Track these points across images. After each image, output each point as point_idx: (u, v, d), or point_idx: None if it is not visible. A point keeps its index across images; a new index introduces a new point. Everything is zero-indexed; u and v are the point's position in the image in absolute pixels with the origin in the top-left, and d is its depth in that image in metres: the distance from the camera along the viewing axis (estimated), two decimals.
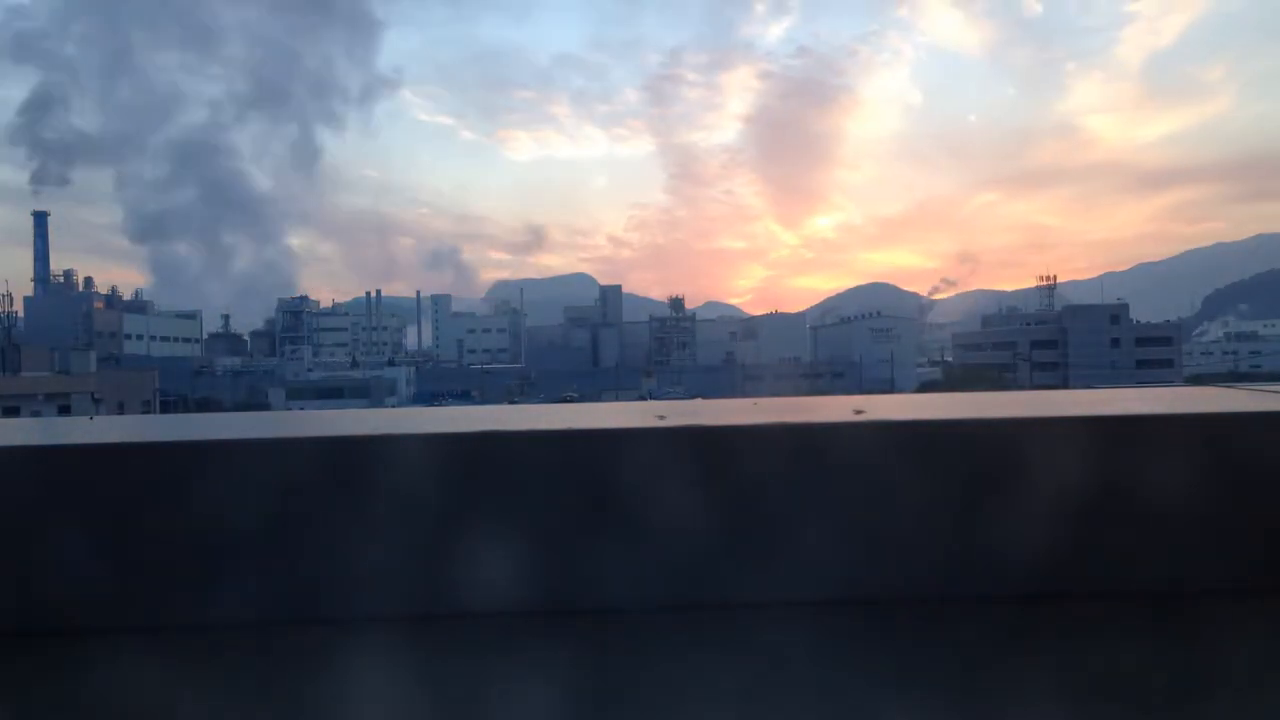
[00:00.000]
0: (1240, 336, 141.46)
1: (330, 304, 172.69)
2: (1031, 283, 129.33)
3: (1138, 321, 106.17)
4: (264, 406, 69.88)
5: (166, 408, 61.46)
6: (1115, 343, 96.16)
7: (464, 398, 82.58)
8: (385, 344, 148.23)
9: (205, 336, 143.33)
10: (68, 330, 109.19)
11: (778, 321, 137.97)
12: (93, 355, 68.41)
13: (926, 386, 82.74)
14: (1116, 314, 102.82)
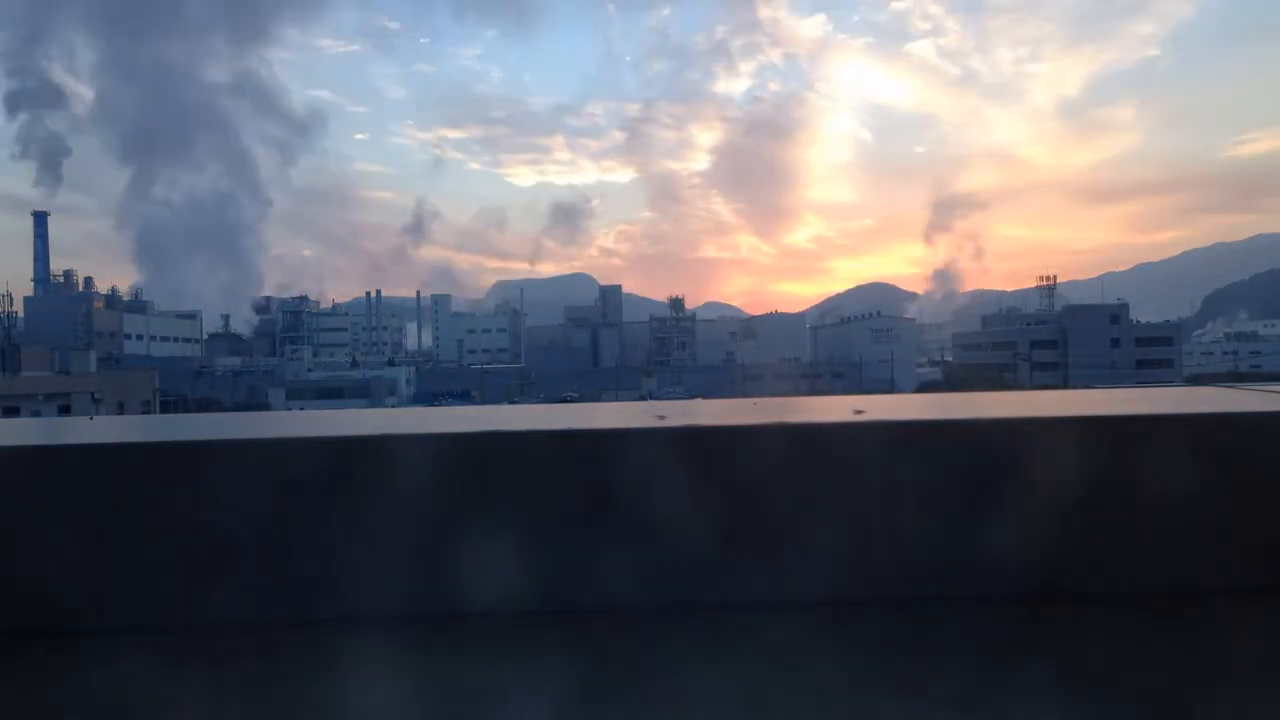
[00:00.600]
0: (1240, 336, 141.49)
1: (330, 304, 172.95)
2: (1031, 283, 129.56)
3: (1138, 321, 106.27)
4: (264, 406, 69.89)
5: (166, 408, 61.47)
6: (1115, 343, 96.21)
7: (464, 398, 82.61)
8: (385, 344, 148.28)
9: (205, 336, 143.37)
10: (68, 330, 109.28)
11: (778, 321, 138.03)
12: (93, 355, 68.44)
13: (926, 386, 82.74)
14: (1116, 314, 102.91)
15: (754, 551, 2.88)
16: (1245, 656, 2.55)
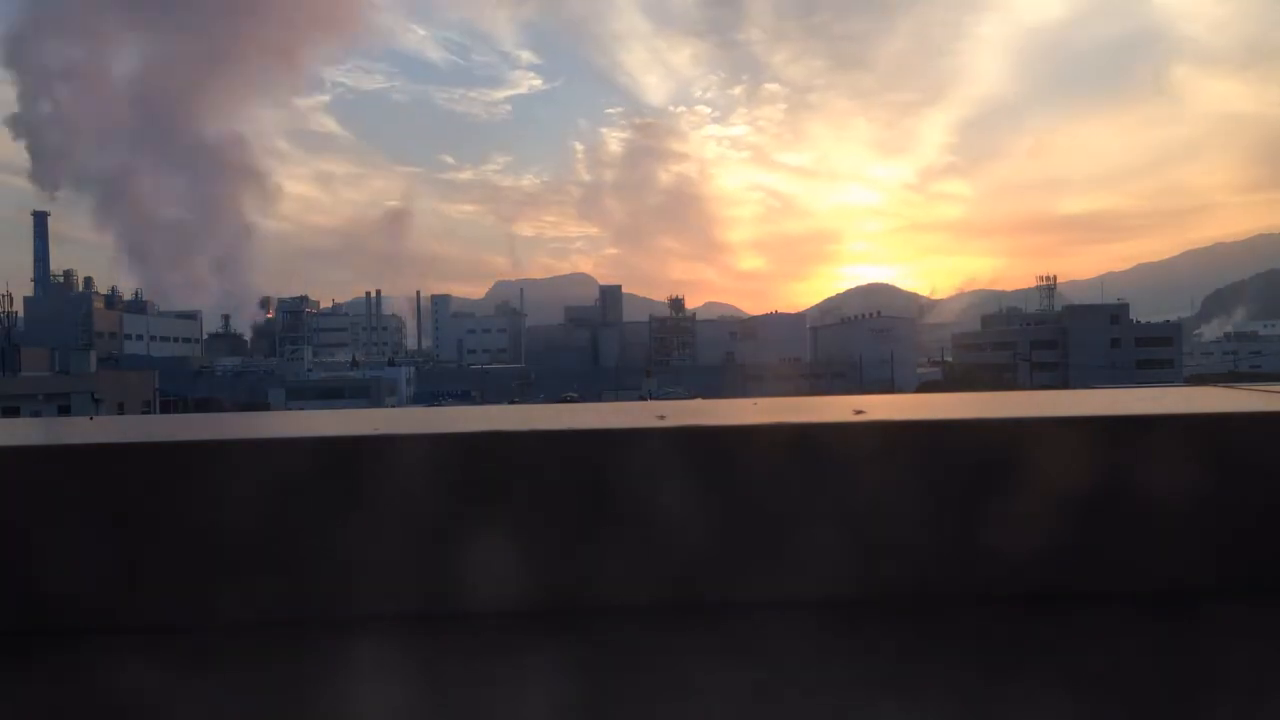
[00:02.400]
0: (1240, 336, 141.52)
1: (330, 304, 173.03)
2: (1031, 283, 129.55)
3: (1138, 321, 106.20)
4: (264, 407, 69.89)
5: (166, 408, 61.44)
6: (1115, 343, 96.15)
7: (464, 398, 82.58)
8: (385, 344, 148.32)
9: (205, 336, 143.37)
10: (68, 330, 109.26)
11: (778, 321, 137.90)
12: (93, 355, 68.40)
13: (926, 386, 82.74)
14: (1116, 314, 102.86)
15: (754, 551, 2.88)
16: (1245, 657, 2.55)
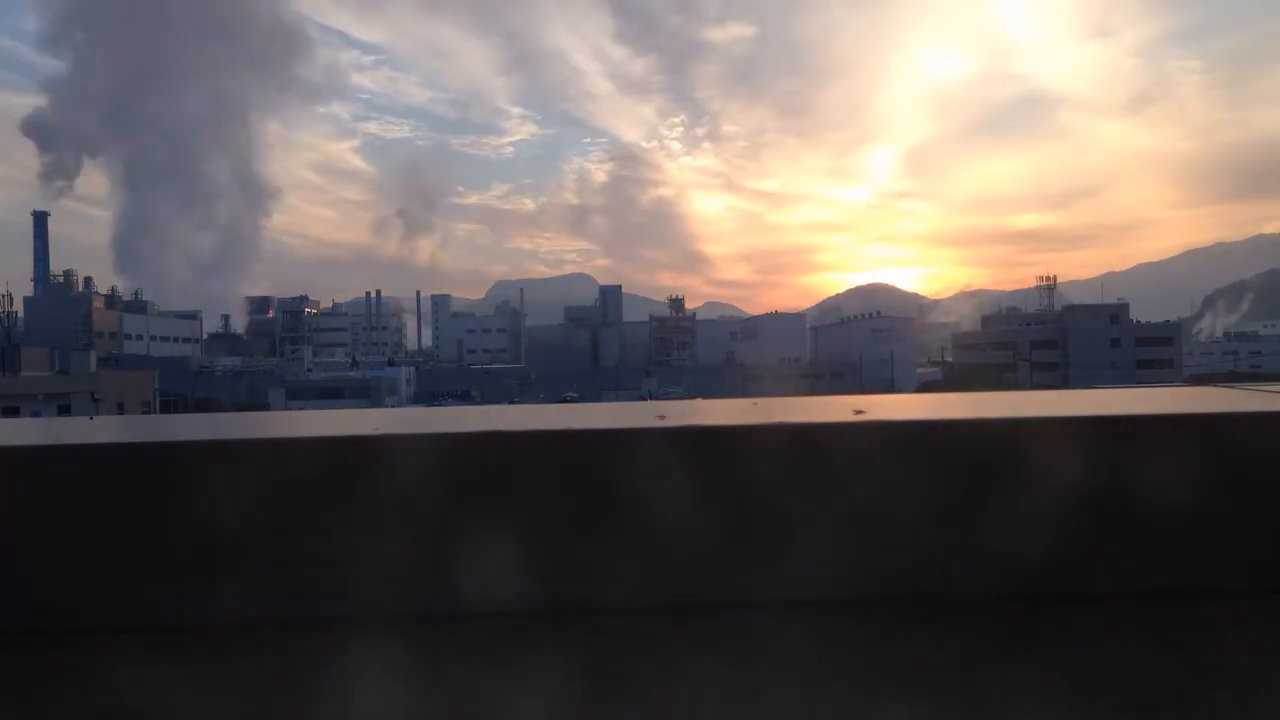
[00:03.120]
0: (1240, 336, 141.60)
1: (330, 304, 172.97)
2: (1031, 283, 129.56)
3: (1138, 321, 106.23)
4: (264, 407, 69.86)
5: (166, 408, 61.46)
6: (1115, 343, 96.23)
7: (464, 398, 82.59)
8: (385, 344, 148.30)
9: (205, 336, 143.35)
10: (68, 330, 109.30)
11: (778, 321, 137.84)
12: (93, 355, 68.51)
13: (926, 386, 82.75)
14: (1116, 314, 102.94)
15: (754, 551, 2.88)
16: (1245, 657, 2.55)
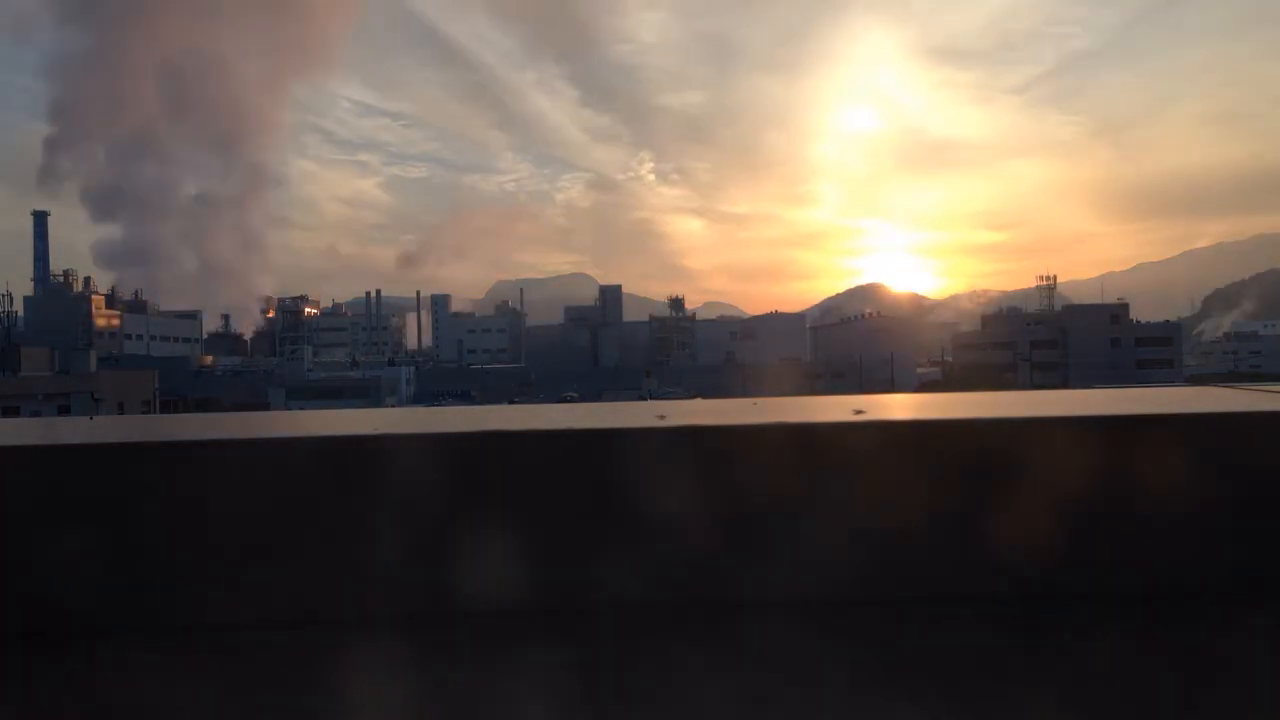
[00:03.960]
0: (1240, 336, 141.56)
1: (330, 304, 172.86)
2: (1031, 283, 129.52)
3: (1138, 321, 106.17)
4: (264, 407, 69.85)
5: (166, 408, 61.43)
6: (1115, 343, 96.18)
7: (464, 398, 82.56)
8: (385, 344, 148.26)
9: (205, 336, 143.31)
10: (68, 330, 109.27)
11: (778, 321, 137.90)
12: (93, 355, 68.47)
13: (926, 386, 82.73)
14: (1116, 314, 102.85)
15: (754, 551, 2.88)
16: (1245, 657, 2.55)
